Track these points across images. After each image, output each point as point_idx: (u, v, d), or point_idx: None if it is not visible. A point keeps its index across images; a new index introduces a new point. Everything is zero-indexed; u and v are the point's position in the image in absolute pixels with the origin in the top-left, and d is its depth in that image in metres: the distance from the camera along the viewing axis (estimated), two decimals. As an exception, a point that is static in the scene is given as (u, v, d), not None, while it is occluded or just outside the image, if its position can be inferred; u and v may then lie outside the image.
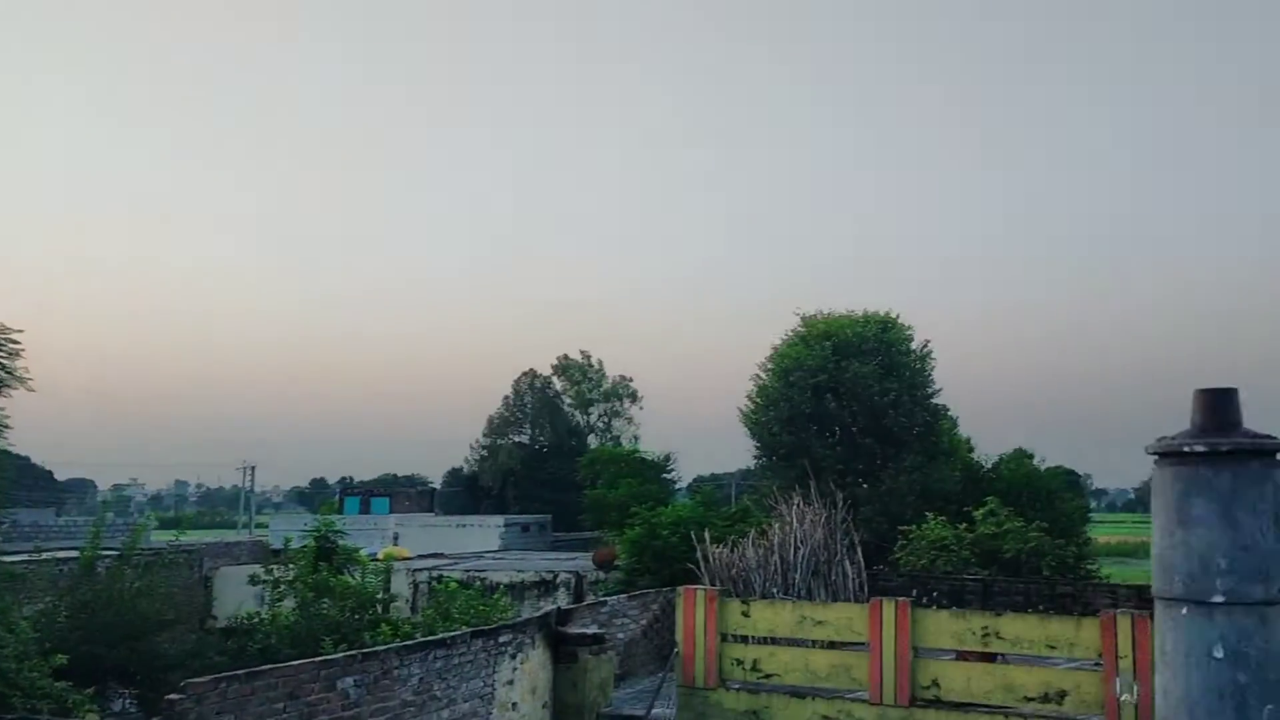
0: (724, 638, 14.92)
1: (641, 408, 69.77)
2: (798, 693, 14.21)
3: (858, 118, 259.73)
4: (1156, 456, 2.76)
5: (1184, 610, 2.64)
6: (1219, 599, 2.58)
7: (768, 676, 14.50)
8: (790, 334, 37.02)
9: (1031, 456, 56.54)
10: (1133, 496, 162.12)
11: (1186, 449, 2.65)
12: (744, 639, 15.14)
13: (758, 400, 36.37)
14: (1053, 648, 13.20)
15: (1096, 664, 13.14)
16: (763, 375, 36.65)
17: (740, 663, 14.73)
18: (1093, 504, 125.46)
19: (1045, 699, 13.03)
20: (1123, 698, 12.49)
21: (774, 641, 15.04)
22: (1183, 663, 2.63)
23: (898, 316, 36.86)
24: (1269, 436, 2.66)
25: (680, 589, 15.34)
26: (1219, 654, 2.57)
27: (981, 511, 31.14)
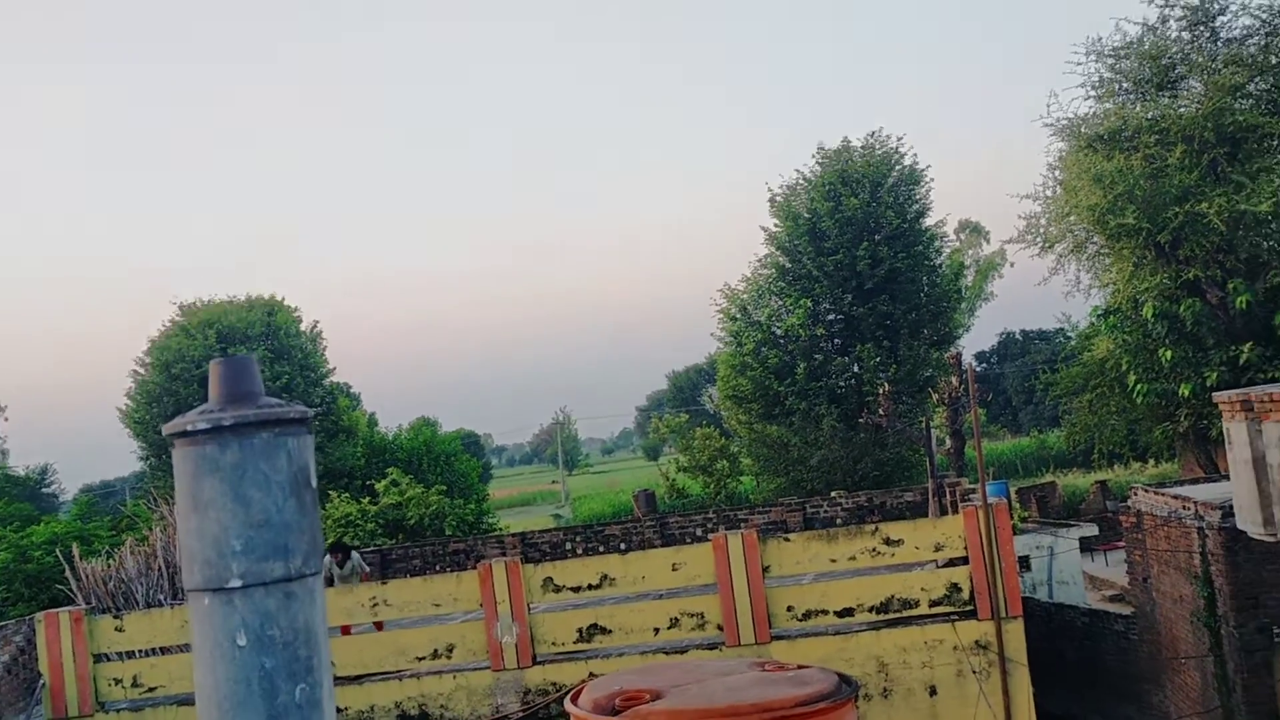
0: (99, 658, 13.72)
1: (6, 418, 61.87)
2: (185, 700, 13.45)
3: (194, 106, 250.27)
4: (171, 439, 2.79)
5: (205, 600, 2.69)
6: (237, 583, 2.64)
7: (151, 690, 13.59)
8: (169, 324, 34.88)
9: (434, 424, 58.53)
10: (528, 450, 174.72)
11: (191, 427, 2.69)
12: (129, 655, 14.08)
13: (139, 398, 33.93)
14: (438, 605, 13.73)
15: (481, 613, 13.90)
16: (141, 370, 34.21)
17: (119, 681, 13.65)
18: (494, 461, 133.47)
19: (435, 655, 13.54)
20: (504, 639, 13.36)
21: (160, 652, 14.13)
22: (209, 655, 2.68)
23: (284, 299, 36.18)
24: (283, 404, 2.79)
25: (40, 615, 13.83)
26: (242, 641, 2.64)
27: (384, 483, 31.75)
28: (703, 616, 13.08)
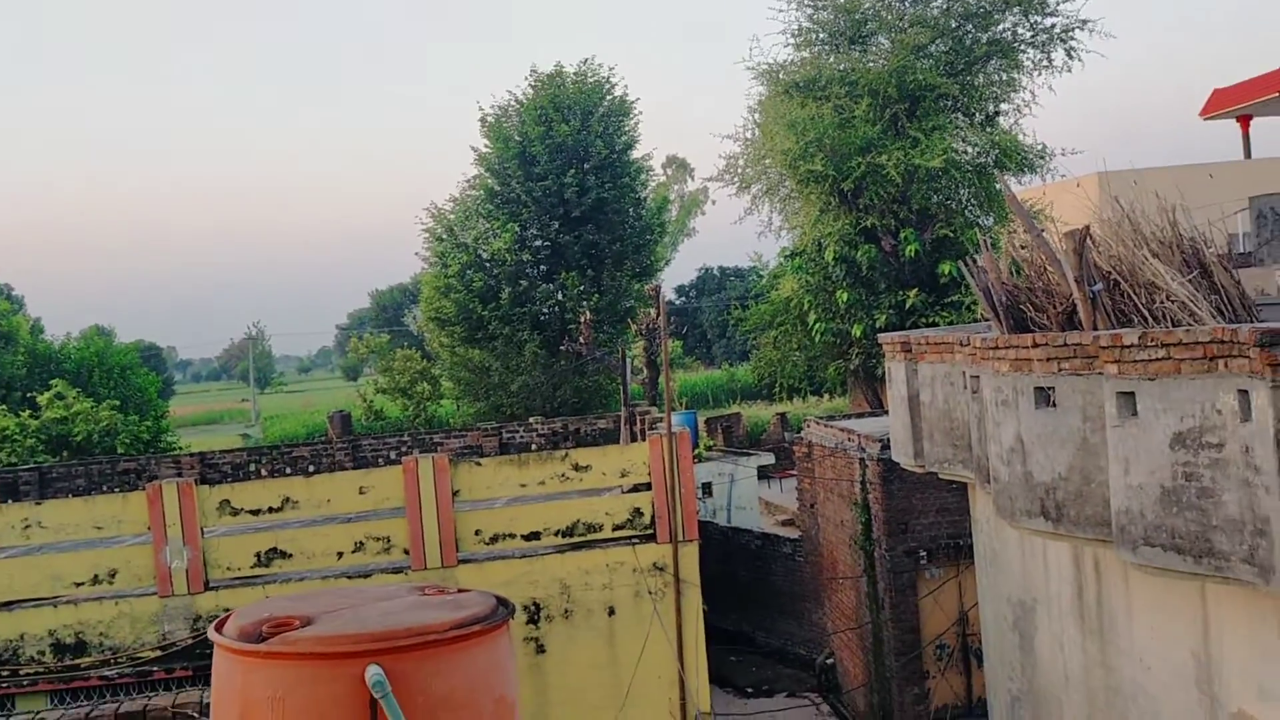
0: None
1: None
2: None
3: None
4: None
5: None
6: None
7: None
8: None
9: (109, 333, 54.50)
10: (216, 365, 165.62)
11: None
12: None
13: None
14: (100, 528, 12.83)
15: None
16: None
17: None
18: (177, 375, 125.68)
19: (96, 580, 12.67)
20: (173, 564, 12.66)
21: None
22: None
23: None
24: None
25: None
26: None
27: (47, 396, 29.30)
28: (389, 540, 12.91)
